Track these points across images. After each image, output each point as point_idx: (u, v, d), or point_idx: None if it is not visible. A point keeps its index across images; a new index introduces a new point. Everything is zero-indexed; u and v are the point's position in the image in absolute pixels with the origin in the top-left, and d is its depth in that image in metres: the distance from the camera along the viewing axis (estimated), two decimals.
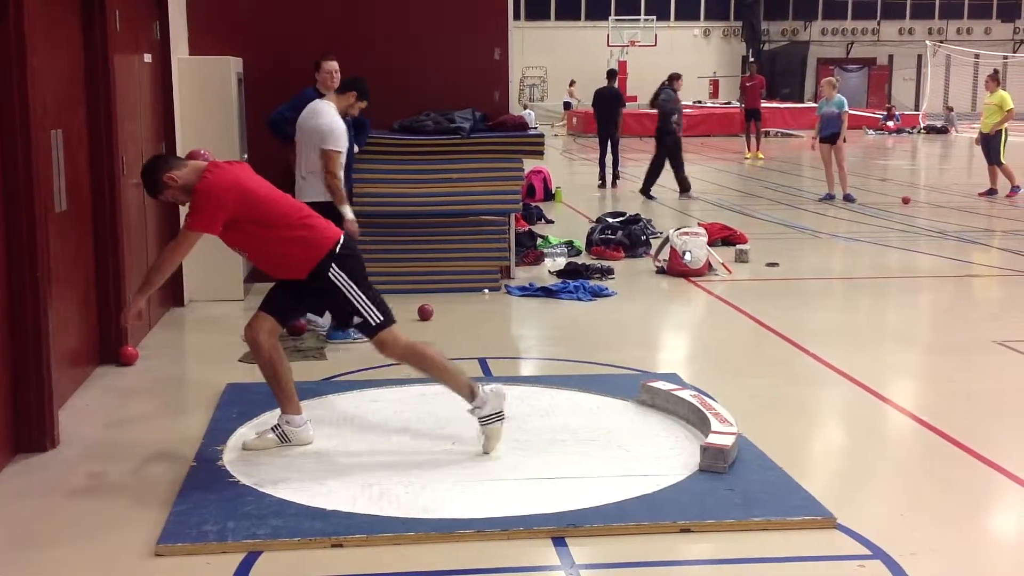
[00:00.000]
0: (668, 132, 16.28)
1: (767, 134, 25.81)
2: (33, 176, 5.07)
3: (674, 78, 17.11)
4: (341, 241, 5.06)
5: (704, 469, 4.80)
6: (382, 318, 5.05)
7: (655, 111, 17.08)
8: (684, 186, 16.30)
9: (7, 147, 4.99)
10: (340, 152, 7.13)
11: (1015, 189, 16.22)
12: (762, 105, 24.97)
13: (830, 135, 15.70)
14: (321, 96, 8.04)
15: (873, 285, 9.95)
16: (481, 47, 9.72)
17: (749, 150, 24.29)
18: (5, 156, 4.99)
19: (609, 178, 18.00)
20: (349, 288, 4.99)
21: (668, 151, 16.28)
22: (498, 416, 5.08)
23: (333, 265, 4.98)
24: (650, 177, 16.41)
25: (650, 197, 16.11)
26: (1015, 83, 33.89)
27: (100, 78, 6.58)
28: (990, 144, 16.26)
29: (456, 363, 5.35)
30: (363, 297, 5.01)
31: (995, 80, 16.82)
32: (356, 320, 5.05)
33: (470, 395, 5.09)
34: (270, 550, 4.06)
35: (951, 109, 36.72)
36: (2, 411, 5.00)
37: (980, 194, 16.41)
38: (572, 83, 35.27)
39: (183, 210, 8.28)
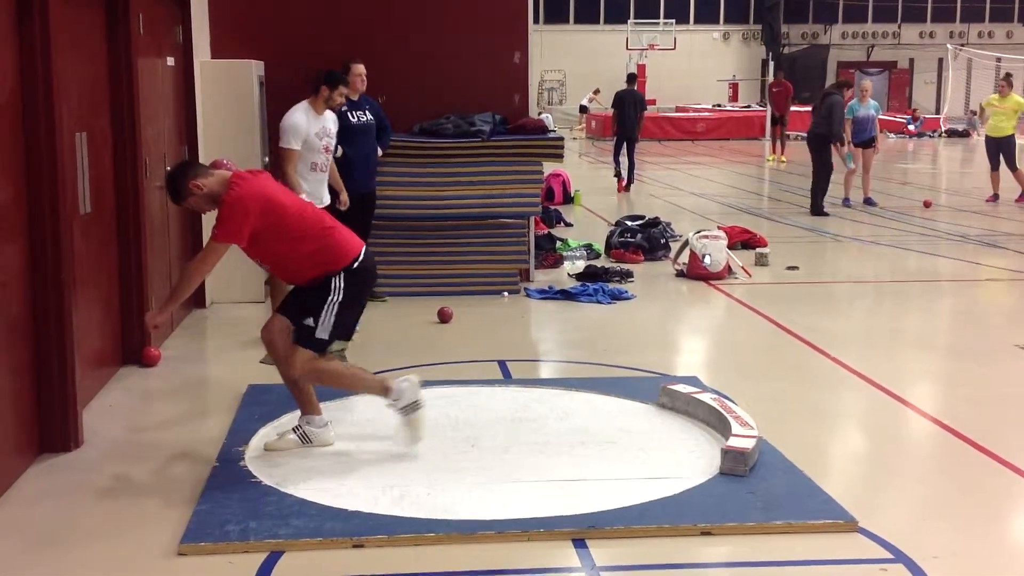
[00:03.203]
0: (829, 143, 14.55)
1: (788, 138, 25.71)
2: (58, 179, 5.12)
3: (843, 85, 15.25)
4: (360, 257, 5.07)
5: (724, 472, 4.79)
6: (323, 339, 4.99)
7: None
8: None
9: (33, 150, 5.03)
10: (293, 150, 7.19)
11: (995, 196, 16.13)
12: (789, 111, 24.87)
13: (869, 139, 15.55)
14: (346, 99, 8.09)
15: (893, 289, 9.91)
16: (501, 51, 9.73)
17: (773, 152, 24.24)
18: (31, 159, 5.04)
19: (624, 180, 17.96)
20: (332, 298, 4.96)
21: (824, 162, 14.58)
22: (415, 406, 5.10)
23: (341, 274, 4.98)
24: (818, 193, 14.73)
25: (823, 214, 14.49)
26: None
27: (124, 81, 6.62)
28: (1002, 149, 16.06)
29: (360, 369, 5.32)
30: (332, 313, 4.97)
31: (1010, 84, 16.63)
32: (306, 320, 4.98)
33: (385, 393, 5.10)
34: (292, 550, 4.08)
35: (975, 113, 36.49)
36: (26, 411, 5.04)
37: (1017, 200, 16.14)
38: (597, 91, 35.21)
39: (206, 214, 8.37)
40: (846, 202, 15.49)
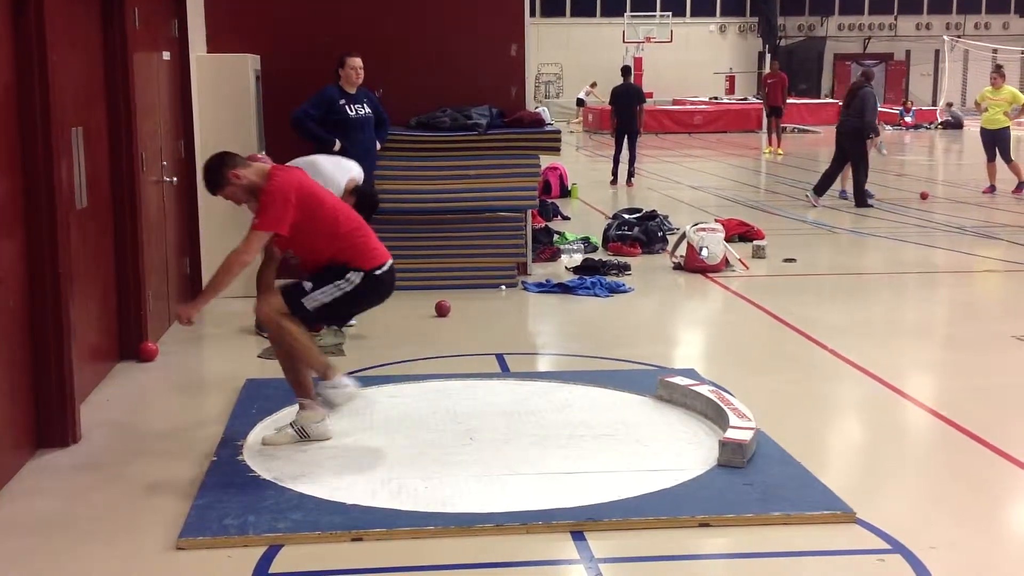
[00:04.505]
0: (863, 136, 14.50)
1: (784, 130, 25.70)
2: (54, 173, 5.11)
3: (870, 76, 15.05)
4: (385, 267, 5.10)
5: (722, 464, 4.80)
6: (306, 307, 4.97)
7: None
8: (821, 189, 15.05)
9: (28, 144, 5.03)
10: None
11: (992, 187, 16.13)
12: (785, 102, 24.84)
13: None
14: (343, 92, 8.09)
15: (891, 281, 9.92)
16: (498, 44, 9.71)
17: (770, 145, 24.23)
18: (26, 153, 5.03)
19: (624, 175, 17.97)
20: (341, 284, 4.98)
21: (862, 154, 14.56)
22: (335, 405, 5.07)
23: (361, 272, 5.00)
24: (826, 180, 14.91)
25: (868, 205, 14.49)
26: None
27: (119, 76, 6.61)
28: (997, 141, 16.04)
29: (314, 345, 5.23)
30: (331, 295, 4.97)
31: (1003, 75, 16.61)
32: (305, 283, 4.99)
33: (325, 376, 5.05)
34: (290, 543, 4.08)
35: (950, 104, 36.37)
36: (24, 407, 5.04)
37: (1013, 191, 16.08)
38: (593, 84, 35.15)
39: (203, 207, 8.36)
40: (843, 194, 15.46)
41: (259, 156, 6.01)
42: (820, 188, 14.98)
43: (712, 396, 5.50)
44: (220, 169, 4.98)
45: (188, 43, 8.34)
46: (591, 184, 17.38)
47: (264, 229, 4.90)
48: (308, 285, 5.00)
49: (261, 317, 5.19)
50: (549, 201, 13.76)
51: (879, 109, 16.19)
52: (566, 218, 13.39)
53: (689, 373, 6.26)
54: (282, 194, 4.87)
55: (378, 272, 5.07)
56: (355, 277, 5.01)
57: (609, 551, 4.06)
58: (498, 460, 4.96)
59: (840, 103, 17.90)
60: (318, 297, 4.99)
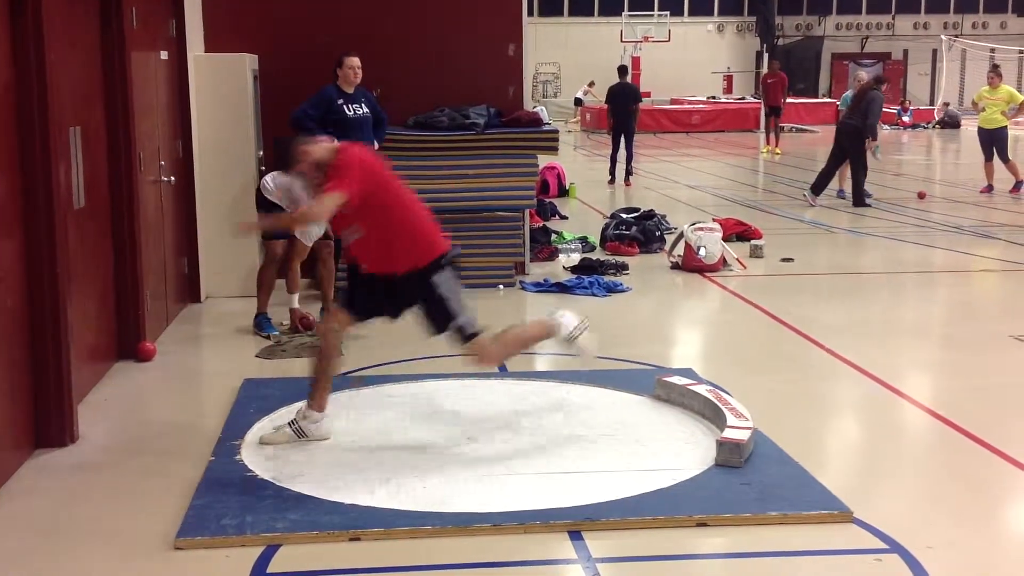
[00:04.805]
0: (862, 136, 14.52)
1: (782, 129, 25.70)
2: (52, 173, 5.11)
3: (882, 80, 15.21)
4: (449, 254, 5.13)
5: (720, 464, 4.80)
6: (475, 329, 5.09)
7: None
8: (819, 188, 14.98)
9: (26, 144, 5.03)
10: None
11: (989, 187, 16.18)
12: (785, 102, 24.84)
13: None
14: (341, 92, 8.09)
15: (888, 280, 9.93)
16: (495, 43, 9.71)
17: (767, 144, 24.23)
18: (24, 153, 5.03)
19: (622, 175, 17.98)
20: (449, 294, 5.04)
21: (861, 154, 14.57)
22: (579, 328, 5.33)
23: (439, 272, 5.05)
24: (823, 179, 14.92)
25: (866, 204, 14.52)
26: None
27: (117, 75, 6.61)
28: (995, 140, 16.05)
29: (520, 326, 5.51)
30: (458, 304, 5.07)
31: (999, 75, 16.63)
32: (450, 327, 5.07)
33: (552, 332, 5.37)
34: (288, 543, 4.08)
35: (947, 104, 36.36)
36: (22, 406, 5.04)
37: (1011, 191, 16.11)
38: (591, 83, 35.07)
39: (201, 207, 8.36)
40: (840, 193, 15.46)
41: (322, 137, 6.06)
42: (817, 187, 14.96)
43: (710, 396, 5.51)
44: (293, 146, 5.14)
45: (186, 43, 8.33)
46: (589, 183, 17.38)
47: (336, 190, 4.89)
48: (454, 325, 5.07)
49: (494, 362, 5.41)
50: (547, 200, 13.75)
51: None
52: (564, 217, 13.39)
53: (687, 373, 6.27)
54: (352, 162, 4.99)
55: (444, 262, 5.10)
56: (441, 279, 5.05)
57: (607, 551, 4.07)
58: (496, 460, 4.97)
59: (838, 102, 17.89)
60: (461, 315, 5.07)
